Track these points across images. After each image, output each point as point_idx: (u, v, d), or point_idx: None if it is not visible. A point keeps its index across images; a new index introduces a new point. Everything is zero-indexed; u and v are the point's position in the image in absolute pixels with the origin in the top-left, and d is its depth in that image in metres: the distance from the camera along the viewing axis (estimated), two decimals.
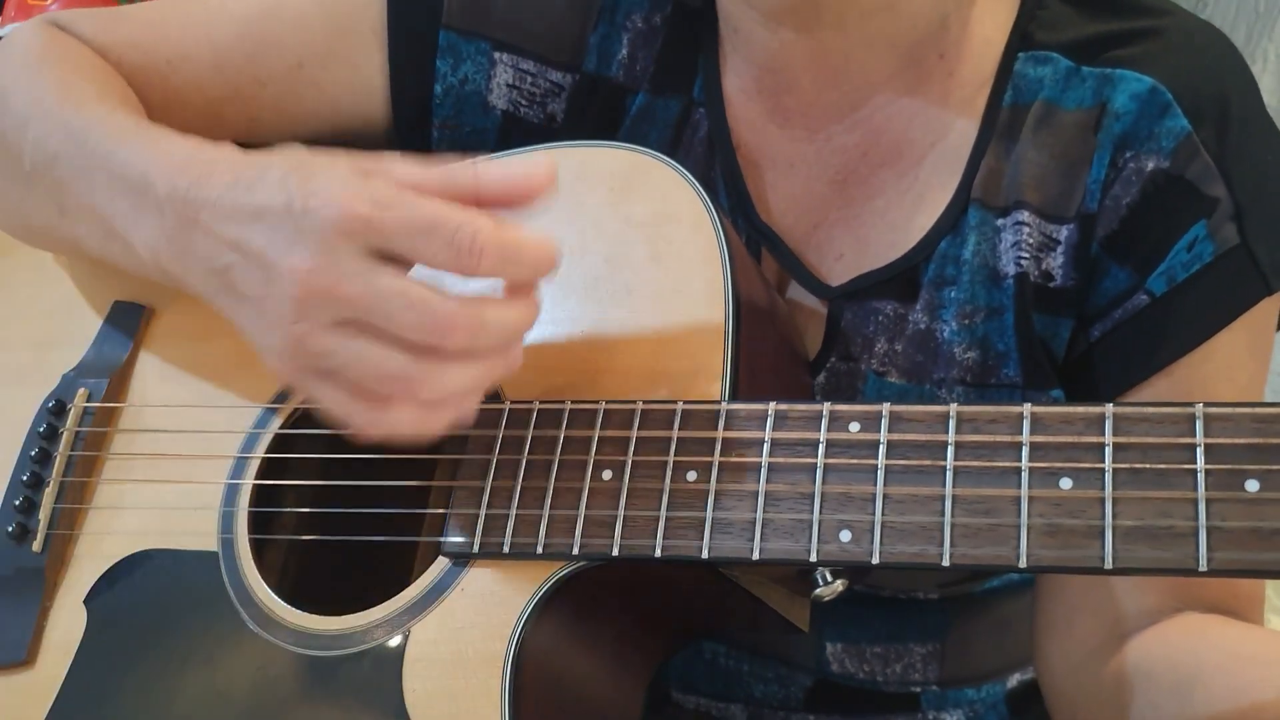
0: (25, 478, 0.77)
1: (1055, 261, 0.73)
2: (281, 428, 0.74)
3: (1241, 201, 0.70)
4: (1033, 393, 0.74)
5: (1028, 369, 0.74)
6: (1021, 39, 0.75)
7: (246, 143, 0.84)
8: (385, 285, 0.56)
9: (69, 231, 0.74)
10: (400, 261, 0.57)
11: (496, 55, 0.80)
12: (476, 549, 0.64)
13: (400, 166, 0.60)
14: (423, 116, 0.83)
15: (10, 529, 0.76)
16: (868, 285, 0.75)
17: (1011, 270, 0.73)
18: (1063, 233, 0.73)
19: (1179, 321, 0.71)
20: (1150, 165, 0.71)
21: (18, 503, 0.77)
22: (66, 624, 0.74)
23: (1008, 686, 0.83)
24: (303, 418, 0.75)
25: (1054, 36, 0.74)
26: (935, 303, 0.74)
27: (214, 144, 0.67)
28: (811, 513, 0.59)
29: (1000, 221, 0.73)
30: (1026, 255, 0.73)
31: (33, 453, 0.78)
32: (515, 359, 0.60)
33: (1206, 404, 0.54)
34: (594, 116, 0.81)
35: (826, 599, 0.65)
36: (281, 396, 0.75)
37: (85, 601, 0.74)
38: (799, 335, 0.77)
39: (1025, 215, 0.73)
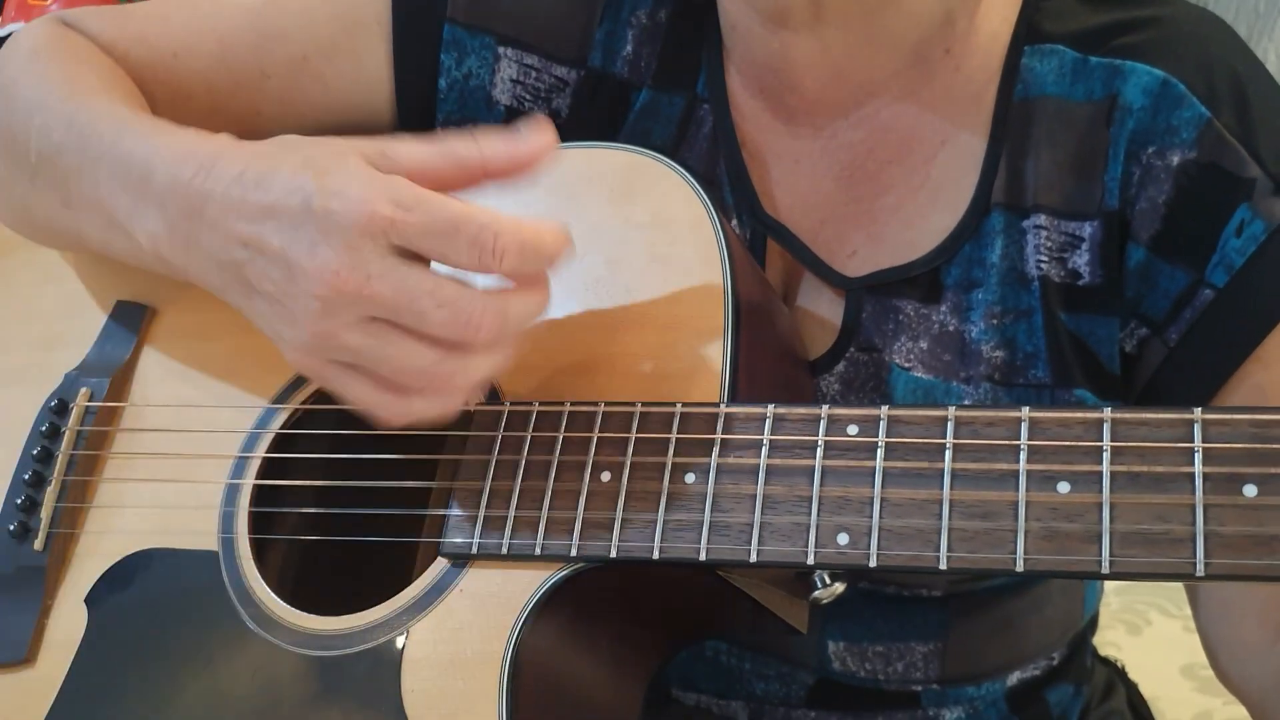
0: (27, 476, 0.77)
1: (1081, 259, 0.73)
2: (282, 427, 0.74)
3: (1278, 174, 0.70)
4: (1060, 392, 0.74)
5: (1056, 370, 0.73)
6: (1027, 31, 0.74)
7: (247, 135, 0.85)
8: (414, 284, 0.57)
9: (72, 223, 0.74)
10: (420, 257, 0.59)
11: (501, 50, 0.80)
12: (475, 550, 0.64)
13: (406, 150, 0.61)
14: (427, 111, 0.83)
15: (12, 527, 0.76)
16: (888, 282, 0.75)
17: (1036, 273, 0.73)
18: (1085, 229, 0.72)
19: (1252, 305, 0.70)
20: (1176, 159, 0.70)
21: (19, 501, 0.77)
22: (67, 623, 0.74)
23: (1008, 684, 0.83)
24: (304, 418, 0.75)
25: (1059, 27, 0.74)
26: (963, 305, 0.74)
27: (214, 135, 0.67)
28: (809, 515, 0.59)
29: (1025, 224, 0.73)
30: (1046, 258, 0.73)
31: (35, 451, 0.78)
32: (522, 345, 0.62)
33: (1205, 408, 0.54)
34: (598, 113, 0.81)
35: (825, 601, 0.65)
36: (283, 396, 0.75)
37: (86, 600, 0.74)
38: (799, 338, 0.77)
39: (1043, 219, 0.73)
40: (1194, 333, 0.72)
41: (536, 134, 0.62)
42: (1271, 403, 0.66)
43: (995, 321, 0.74)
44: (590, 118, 0.81)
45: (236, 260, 0.61)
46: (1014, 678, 0.83)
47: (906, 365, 0.75)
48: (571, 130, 0.81)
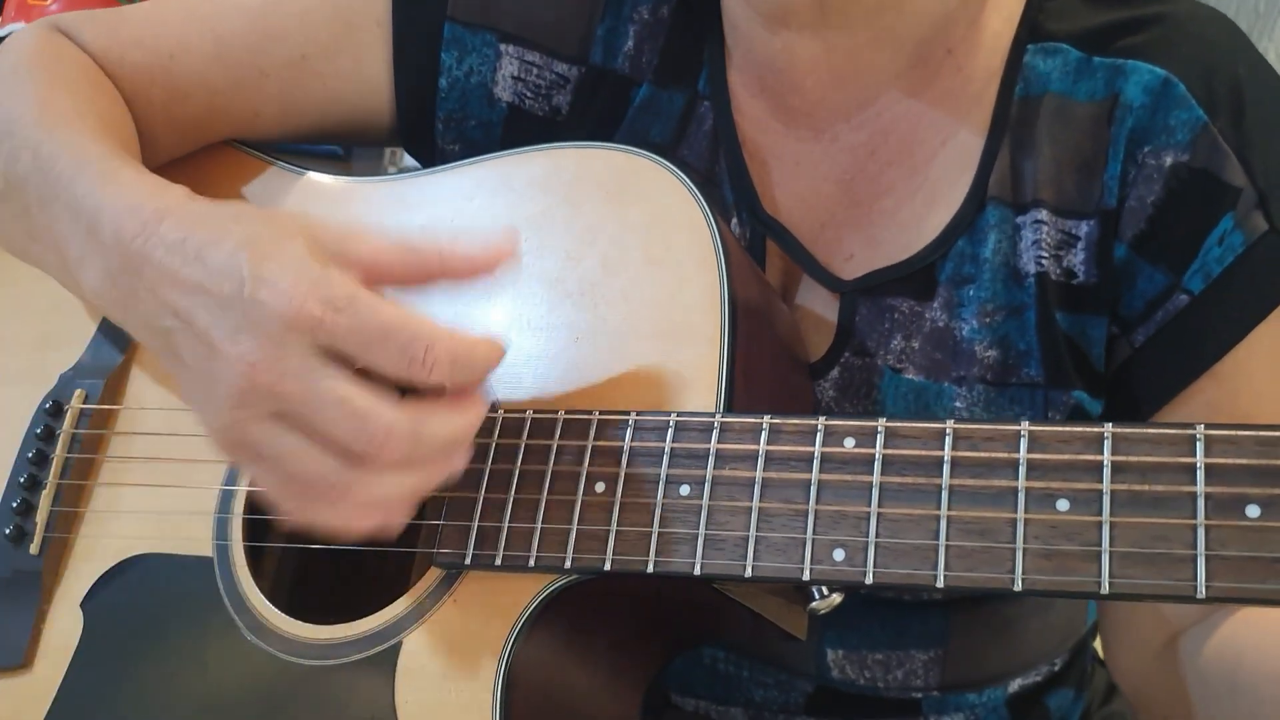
0: (23, 480, 0.77)
1: (1076, 258, 0.72)
2: None
3: (1264, 188, 0.69)
4: (1054, 392, 0.73)
5: (1050, 368, 0.73)
6: (1030, 31, 0.73)
7: (248, 135, 0.84)
8: (326, 389, 0.55)
9: (36, 256, 0.73)
10: (348, 361, 0.57)
11: (502, 47, 0.80)
12: (469, 561, 0.64)
13: (366, 244, 0.59)
14: (426, 110, 0.82)
15: (8, 531, 0.76)
16: (882, 282, 0.74)
17: (1032, 269, 0.72)
18: (1082, 229, 0.71)
19: (1219, 318, 0.70)
20: (1169, 160, 0.69)
21: (15, 505, 0.77)
22: (63, 627, 0.74)
23: (1009, 691, 0.82)
24: None
25: (1062, 27, 0.73)
26: (954, 301, 0.73)
27: (167, 188, 0.65)
28: (805, 530, 0.58)
29: (1020, 219, 0.72)
30: (1046, 254, 0.72)
31: (30, 454, 0.78)
32: (458, 466, 0.60)
33: (1208, 425, 0.53)
34: (599, 109, 0.80)
35: (823, 612, 0.64)
36: None
37: (82, 605, 0.74)
38: (799, 337, 0.76)
39: (1043, 214, 0.72)
40: (1160, 337, 0.71)
41: (498, 241, 0.61)
42: (1221, 418, 0.65)
43: (988, 319, 0.73)
44: (591, 115, 0.80)
45: (166, 328, 0.60)
46: (1015, 684, 0.83)
47: (899, 367, 0.74)
48: (572, 127, 0.80)
